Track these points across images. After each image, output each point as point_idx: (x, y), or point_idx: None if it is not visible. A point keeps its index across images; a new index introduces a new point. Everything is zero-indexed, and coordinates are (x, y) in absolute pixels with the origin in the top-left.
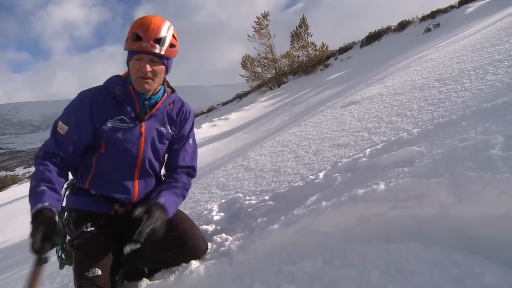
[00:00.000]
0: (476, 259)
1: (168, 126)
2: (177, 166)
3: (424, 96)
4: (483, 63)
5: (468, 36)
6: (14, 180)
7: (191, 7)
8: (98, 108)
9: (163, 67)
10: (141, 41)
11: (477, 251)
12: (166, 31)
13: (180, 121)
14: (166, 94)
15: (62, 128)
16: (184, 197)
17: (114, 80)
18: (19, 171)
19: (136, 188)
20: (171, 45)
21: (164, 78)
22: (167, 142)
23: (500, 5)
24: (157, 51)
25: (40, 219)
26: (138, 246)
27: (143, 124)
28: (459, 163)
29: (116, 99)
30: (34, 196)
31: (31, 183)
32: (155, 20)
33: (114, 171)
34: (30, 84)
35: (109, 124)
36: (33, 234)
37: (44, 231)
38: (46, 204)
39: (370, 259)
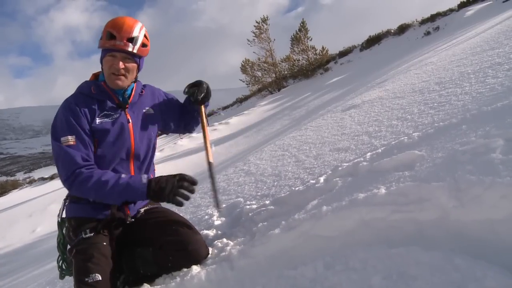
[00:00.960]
0: (477, 263)
1: (149, 108)
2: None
3: (424, 100)
4: (483, 66)
5: (468, 39)
6: (15, 185)
7: (192, 12)
8: (84, 110)
9: (135, 65)
10: (114, 39)
11: (479, 255)
12: (139, 31)
13: (159, 97)
14: (135, 83)
15: (70, 140)
16: None
17: (84, 85)
18: (20, 176)
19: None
20: (143, 45)
21: (136, 75)
22: (155, 124)
23: (499, 8)
24: (130, 49)
25: (162, 177)
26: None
27: (127, 111)
28: (459, 166)
29: (94, 98)
30: (128, 183)
31: (103, 189)
32: (128, 20)
33: (109, 164)
34: (32, 89)
35: (97, 122)
36: (178, 181)
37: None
38: (145, 176)
39: (371, 263)
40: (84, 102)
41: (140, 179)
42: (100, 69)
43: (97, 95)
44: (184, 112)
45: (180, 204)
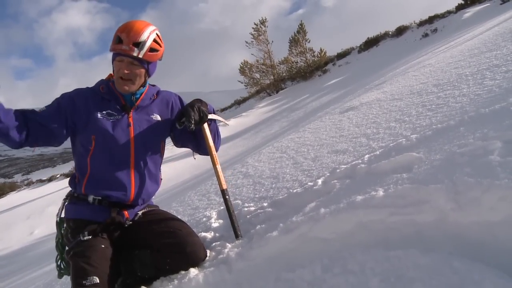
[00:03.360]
0: (475, 266)
1: (157, 115)
2: None
3: (422, 102)
4: (481, 68)
5: (466, 41)
6: (13, 187)
7: (194, 14)
8: (81, 101)
9: (142, 70)
10: (121, 44)
11: (477, 258)
12: (147, 36)
13: (174, 105)
14: (148, 87)
15: (39, 109)
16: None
17: (98, 82)
18: (18, 178)
19: (132, 183)
20: (151, 49)
21: (145, 80)
22: (162, 133)
23: (497, 10)
24: (134, 54)
25: None
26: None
27: (131, 114)
28: (457, 169)
29: (101, 97)
30: None
31: None
32: (137, 24)
33: (108, 168)
34: (33, 91)
35: (98, 115)
36: None
37: None
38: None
39: (369, 266)
40: (85, 96)
41: None
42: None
43: (105, 94)
44: (195, 130)
45: None
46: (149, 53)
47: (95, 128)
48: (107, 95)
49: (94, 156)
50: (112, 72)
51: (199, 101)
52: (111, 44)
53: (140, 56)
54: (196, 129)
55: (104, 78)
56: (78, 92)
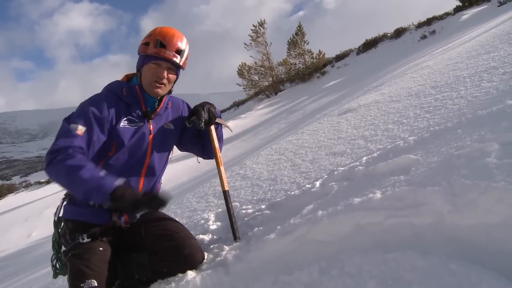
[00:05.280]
0: (472, 268)
1: (170, 123)
2: None
3: (420, 104)
4: (478, 70)
5: (464, 43)
6: (11, 189)
7: (195, 16)
8: (112, 109)
9: (175, 76)
10: (164, 48)
11: (474, 260)
12: (185, 45)
13: (183, 112)
14: (165, 95)
15: (80, 129)
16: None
17: (117, 84)
18: (16, 180)
19: (141, 187)
20: (186, 58)
21: (172, 87)
22: (173, 141)
23: (494, 12)
24: (177, 60)
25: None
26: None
27: (151, 122)
28: (455, 171)
29: (123, 101)
30: (102, 181)
31: (75, 175)
32: (177, 32)
33: (120, 173)
34: (34, 93)
35: (120, 125)
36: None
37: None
38: (121, 181)
39: (366, 268)
40: (113, 102)
41: (111, 183)
42: (129, 72)
43: (127, 97)
44: (201, 134)
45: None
46: (185, 61)
47: (117, 136)
48: (129, 99)
49: (109, 161)
50: (127, 74)
51: (208, 103)
52: (145, 46)
53: (181, 63)
54: (202, 132)
55: (112, 80)
56: (107, 97)
